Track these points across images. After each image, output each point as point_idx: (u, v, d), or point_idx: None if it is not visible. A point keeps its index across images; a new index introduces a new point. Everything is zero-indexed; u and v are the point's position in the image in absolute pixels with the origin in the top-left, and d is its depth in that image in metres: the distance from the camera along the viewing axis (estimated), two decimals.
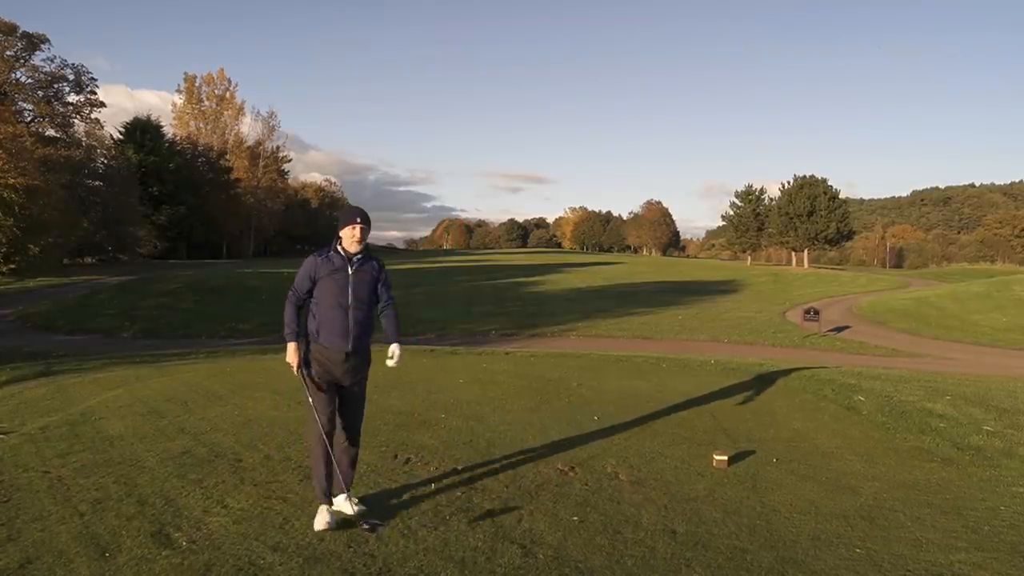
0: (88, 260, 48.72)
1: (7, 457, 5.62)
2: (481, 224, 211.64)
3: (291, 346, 4.37)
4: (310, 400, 4.40)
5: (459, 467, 5.54)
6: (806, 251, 70.84)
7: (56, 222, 36.04)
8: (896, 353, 17.99)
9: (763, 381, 10.42)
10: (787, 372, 10.99)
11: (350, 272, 4.40)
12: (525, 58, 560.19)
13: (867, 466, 6.00)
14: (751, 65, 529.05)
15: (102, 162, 50.20)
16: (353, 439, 4.57)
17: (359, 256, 4.47)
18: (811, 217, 67.39)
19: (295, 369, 4.36)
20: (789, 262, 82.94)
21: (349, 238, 4.42)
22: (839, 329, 22.21)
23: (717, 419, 7.67)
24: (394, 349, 4.54)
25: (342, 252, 4.43)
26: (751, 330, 22.74)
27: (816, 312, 20.83)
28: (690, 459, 6.00)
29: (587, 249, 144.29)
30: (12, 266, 34.15)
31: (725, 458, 5.81)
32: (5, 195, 32.24)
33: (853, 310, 28.78)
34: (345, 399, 4.50)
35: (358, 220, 4.43)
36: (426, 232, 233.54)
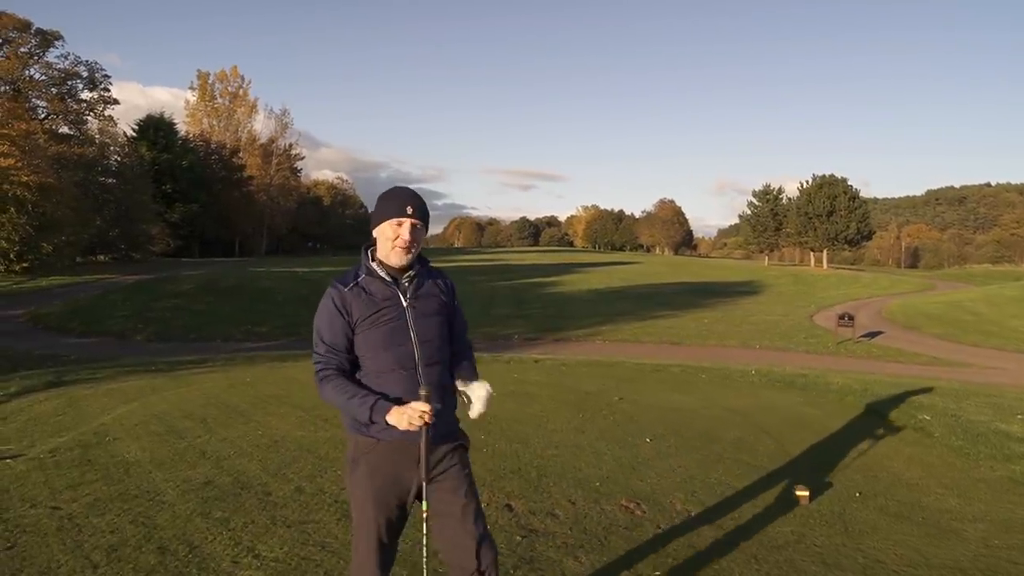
0: (101, 258, 48.41)
1: (13, 489, 5.09)
2: (492, 222, 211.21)
3: (384, 407, 2.50)
4: (356, 528, 2.69)
5: (512, 503, 4.98)
6: (825, 251, 69.96)
7: (69, 220, 35.64)
8: (937, 362, 17.32)
9: (813, 394, 9.85)
10: (836, 384, 10.39)
11: (404, 303, 2.64)
12: (538, 55, 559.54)
13: (962, 502, 5.39)
14: (764, 63, 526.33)
15: (115, 159, 49.86)
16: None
17: (413, 273, 2.70)
18: (831, 217, 66.47)
19: (427, 414, 2.46)
20: (803, 261, 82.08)
21: (391, 242, 2.63)
22: (872, 334, 21.53)
23: (777, 441, 7.09)
24: (481, 391, 2.75)
25: (382, 271, 2.67)
26: (781, 335, 22.09)
27: (851, 318, 20.16)
28: (764, 492, 5.42)
29: (599, 248, 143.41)
30: (25, 265, 33.78)
31: (807, 493, 5.22)
32: (18, 193, 31.88)
33: (883, 314, 28.01)
34: (444, 513, 2.65)
35: (408, 211, 2.63)
36: (437, 230, 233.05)
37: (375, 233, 2.71)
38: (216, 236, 66.86)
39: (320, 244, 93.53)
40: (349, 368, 2.65)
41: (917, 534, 4.66)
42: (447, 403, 2.71)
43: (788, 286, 43.80)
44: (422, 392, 2.50)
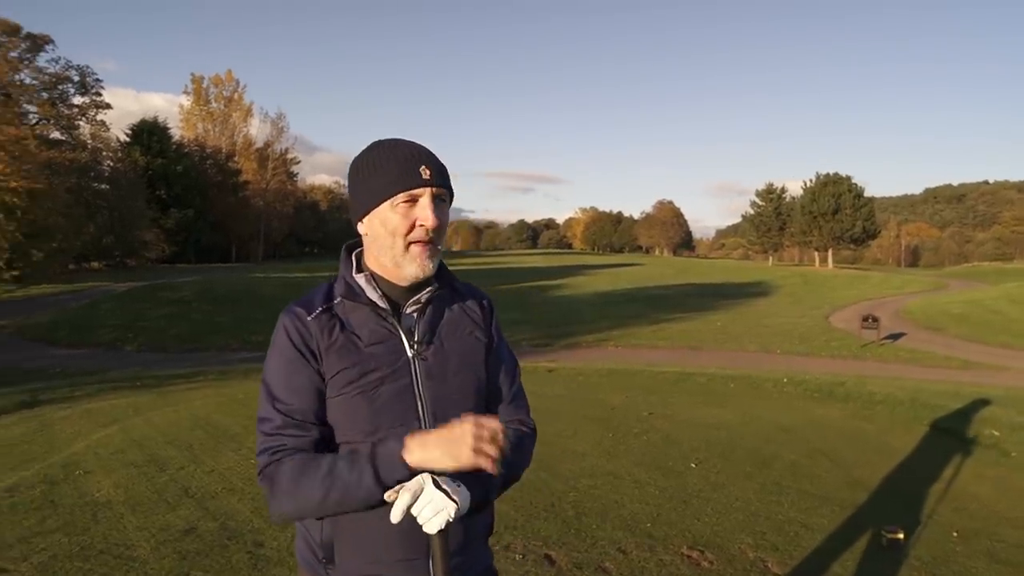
0: (95, 265, 47.57)
1: None
2: (491, 225, 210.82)
3: (396, 447, 1.38)
4: None
5: (551, 554, 4.14)
6: (830, 251, 69.36)
7: (60, 227, 34.88)
8: (970, 365, 16.50)
9: (858, 406, 9.04)
10: (880, 393, 9.57)
11: (409, 351, 1.53)
12: (535, 58, 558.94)
13: None
14: (759, 65, 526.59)
15: (108, 165, 49.07)
16: None
17: (429, 294, 1.58)
18: (836, 216, 65.87)
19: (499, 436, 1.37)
20: (804, 261, 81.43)
21: (400, 238, 1.50)
22: (895, 336, 20.68)
23: (837, 463, 6.28)
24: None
25: (375, 292, 1.55)
26: (800, 338, 21.24)
27: (875, 320, 19.35)
28: (844, 532, 4.59)
29: (598, 250, 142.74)
30: (15, 272, 32.93)
31: (901, 536, 4.38)
32: (7, 199, 31.08)
33: (901, 314, 27.15)
34: None
35: (424, 175, 1.49)
36: None
37: (363, 227, 1.57)
38: (212, 242, 65.98)
39: (317, 249, 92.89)
40: (318, 451, 1.48)
41: None
42: (477, 524, 1.62)
43: (798, 287, 42.98)
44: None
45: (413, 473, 1.36)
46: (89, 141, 48.65)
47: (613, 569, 3.95)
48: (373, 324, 1.53)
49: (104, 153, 49.73)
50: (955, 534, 4.59)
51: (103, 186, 46.67)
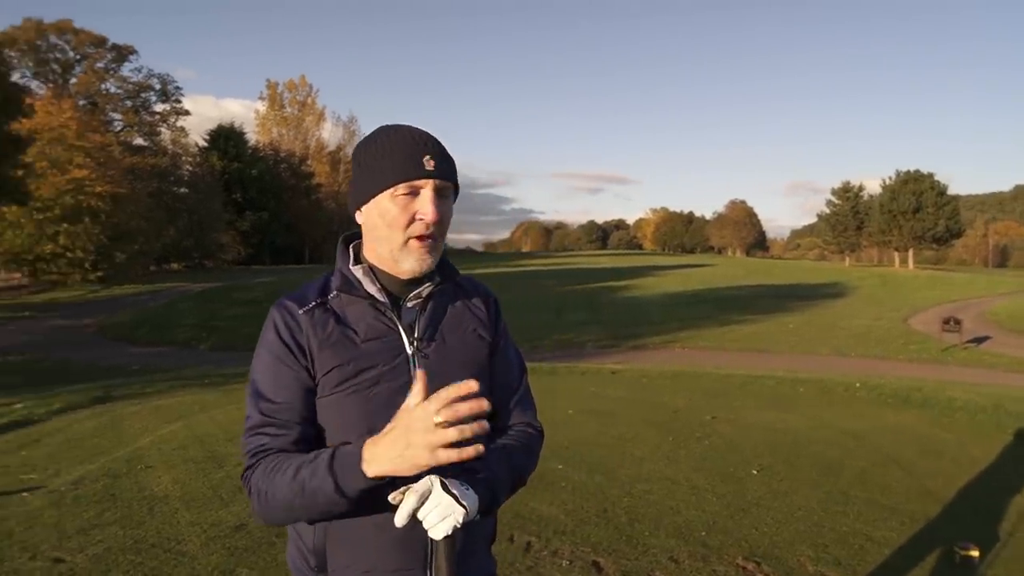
0: (174, 266, 49.39)
1: (18, 532, 4.39)
2: (560, 226, 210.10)
3: (356, 451, 1.23)
4: None
5: (600, 560, 4.01)
6: (911, 251, 66.90)
7: (142, 229, 36.47)
8: None
9: (936, 413, 8.60)
10: (960, 400, 9.08)
11: (409, 347, 1.43)
12: (604, 59, 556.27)
13: None
14: (835, 62, 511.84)
15: (187, 169, 50.97)
16: None
17: (430, 287, 1.49)
18: (917, 214, 63.47)
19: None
20: (883, 262, 78.70)
21: (399, 231, 1.41)
22: (979, 340, 19.70)
23: (910, 473, 5.94)
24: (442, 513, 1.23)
25: (373, 285, 1.47)
26: (877, 341, 20.45)
27: (957, 322, 18.46)
28: (914, 547, 4.32)
29: (669, 250, 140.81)
30: (99, 274, 34.52)
31: (976, 553, 4.09)
32: (93, 203, 32.60)
33: (987, 316, 25.87)
34: None
35: (427, 165, 1.40)
36: (504, 235, 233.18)
37: (361, 216, 1.50)
38: (287, 243, 67.68)
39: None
40: (291, 444, 1.38)
41: None
42: (481, 530, 1.50)
43: (875, 288, 41.42)
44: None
45: (372, 482, 1.22)
46: (169, 147, 50.77)
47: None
48: (371, 319, 1.44)
49: (183, 158, 51.78)
50: None
51: (182, 190, 48.50)
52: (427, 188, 1.40)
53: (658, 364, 14.57)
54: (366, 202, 1.46)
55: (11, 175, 23.13)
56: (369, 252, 1.51)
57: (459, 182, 1.50)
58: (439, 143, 1.46)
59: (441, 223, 1.43)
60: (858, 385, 10.55)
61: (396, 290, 1.47)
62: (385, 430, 1.22)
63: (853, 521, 4.73)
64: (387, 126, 1.49)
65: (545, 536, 4.34)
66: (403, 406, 1.20)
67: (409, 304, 1.47)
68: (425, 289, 1.48)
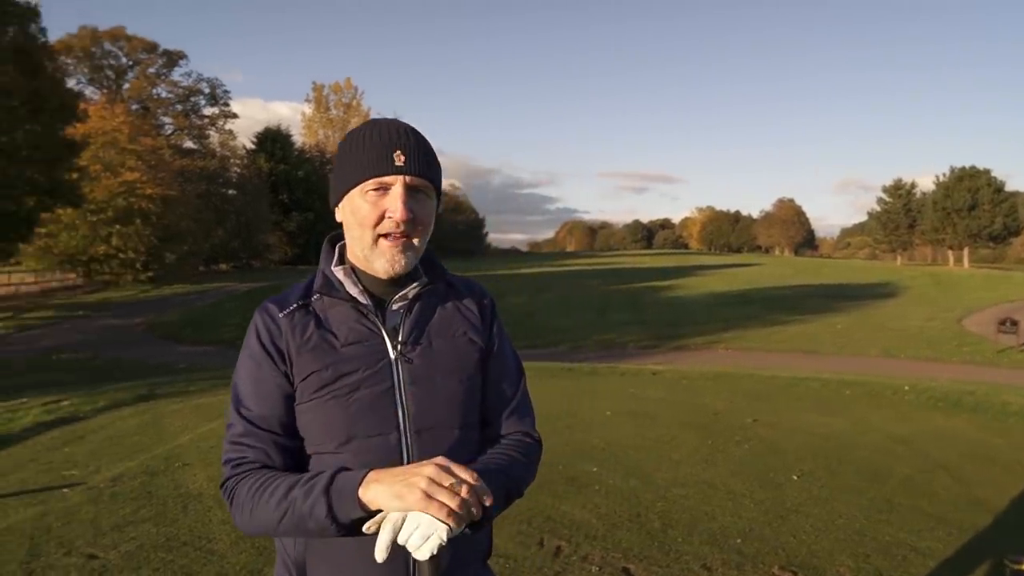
0: (223, 267, 50.38)
1: (56, 528, 4.47)
2: (604, 226, 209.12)
3: (355, 478, 1.18)
4: None
5: (630, 567, 3.93)
6: (966, 249, 65.03)
7: (191, 230, 37.32)
8: None
9: (988, 418, 8.31)
10: (1016, 405, 8.76)
11: (392, 351, 1.37)
12: (649, 57, 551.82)
13: None
14: (885, 53, 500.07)
15: (235, 171, 51.93)
16: None
17: (416, 289, 1.43)
18: (972, 212, 61.68)
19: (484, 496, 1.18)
20: (936, 260, 76.63)
21: (368, 229, 1.35)
22: None
23: (959, 481, 5.73)
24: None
25: (355, 286, 1.40)
26: (928, 343, 19.87)
27: (1014, 323, 17.82)
28: (961, 560, 4.14)
29: (715, 250, 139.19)
30: (150, 274, 35.43)
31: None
32: (144, 205, 33.45)
33: None
34: None
35: (397, 160, 1.33)
36: (549, 234, 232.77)
37: (339, 214, 1.43)
38: None
39: (435, 251, 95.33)
40: (286, 464, 1.34)
41: None
42: (473, 546, 1.43)
43: (928, 288, 40.26)
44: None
45: (366, 511, 1.17)
46: (218, 149, 51.81)
47: None
48: (352, 322, 1.38)
49: (232, 160, 52.76)
50: None
51: (230, 192, 49.42)
52: (397, 185, 1.33)
53: (699, 365, 14.37)
54: (340, 199, 1.41)
55: (66, 178, 23.78)
56: (349, 252, 1.44)
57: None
58: (418, 139, 1.39)
59: (415, 222, 1.36)
60: (907, 388, 10.23)
61: (380, 292, 1.41)
62: (400, 467, 1.20)
63: (897, 530, 4.56)
64: (369, 120, 1.43)
65: (576, 541, 4.27)
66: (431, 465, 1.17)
67: (394, 307, 1.41)
68: (411, 290, 1.42)
